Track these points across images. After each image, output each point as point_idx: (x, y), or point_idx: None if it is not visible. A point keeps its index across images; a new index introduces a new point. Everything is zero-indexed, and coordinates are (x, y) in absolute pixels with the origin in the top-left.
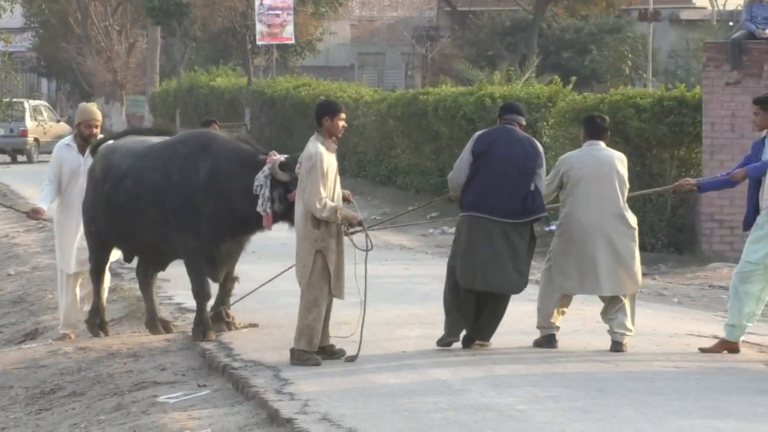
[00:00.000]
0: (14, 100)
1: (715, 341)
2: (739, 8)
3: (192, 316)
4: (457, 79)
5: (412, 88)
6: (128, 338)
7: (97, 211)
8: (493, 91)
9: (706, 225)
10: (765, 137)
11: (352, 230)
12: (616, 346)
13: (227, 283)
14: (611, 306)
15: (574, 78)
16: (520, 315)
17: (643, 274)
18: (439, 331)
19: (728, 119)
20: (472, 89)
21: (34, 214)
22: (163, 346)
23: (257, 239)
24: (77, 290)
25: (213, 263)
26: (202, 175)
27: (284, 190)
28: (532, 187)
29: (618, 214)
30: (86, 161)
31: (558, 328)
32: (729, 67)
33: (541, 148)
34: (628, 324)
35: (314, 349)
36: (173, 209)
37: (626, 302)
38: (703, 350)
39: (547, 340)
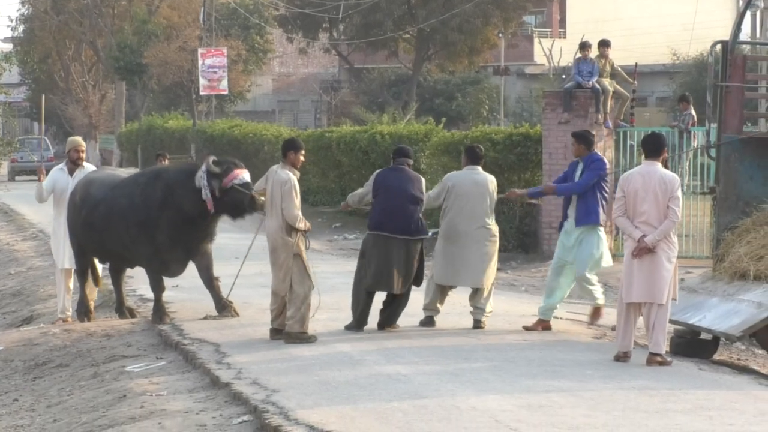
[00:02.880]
0: (27, 137)
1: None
2: (569, 65)
3: (151, 304)
4: (354, 120)
5: (320, 128)
6: (102, 322)
7: (77, 228)
8: (382, 129)
9: (545, 231)
10: (577, 161)
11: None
12: (477, 324)
13: (214, 283)
14: (475, 294)
15: (444, 119)
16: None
17: (498, 269)
18: (343, 315)
19: (562, 150)
20: (366, 128)
21: (42, 172)
22: (129, 328)
23: (236, 245)
24: (69, 283)
25: (165, 264)
26: (158, 193)
27: (218, 181)
28: (420, 214)
29: (486, 225)
30: (73, 181)
31: (438, 311)
32: (562, 110)
33: (423, 181)
34: (487, 308)
35: (307, 330)
36: (134, 224)
37: (485, 291)
38: (525, 328)
39: (428, 321)
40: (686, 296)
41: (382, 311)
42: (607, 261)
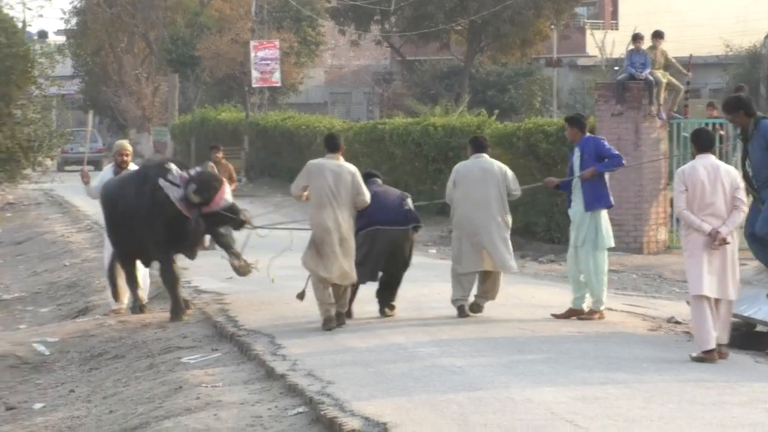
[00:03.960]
0: (76, 130)
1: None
2: (622, 56)
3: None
4: (406, 112)
5: (372, 120)
6: (157, 313)
7: (107, 229)
8: (435, 121)
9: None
10: (574, 147)
11: None
12: (477, 309)
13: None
14: (490, 284)
15: (497, 111)
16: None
17: (551, 261)
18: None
19: (614, 141)
20: (419, 120)
21: (84, 176)
22: (185, 319)
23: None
24: (121, 276)
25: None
26: (147, 192)
27: (197, 208)
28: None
29: (497, 210)
30: None
31: (466, 300)
32: (615, 102)
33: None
34: (494, 295)
35: None
36: (137, 221)
37: (500, 282)
38: (555, 316)
39: (460, 311)
40: (741, 288)
41: (377, 298)
42: (609, 242)
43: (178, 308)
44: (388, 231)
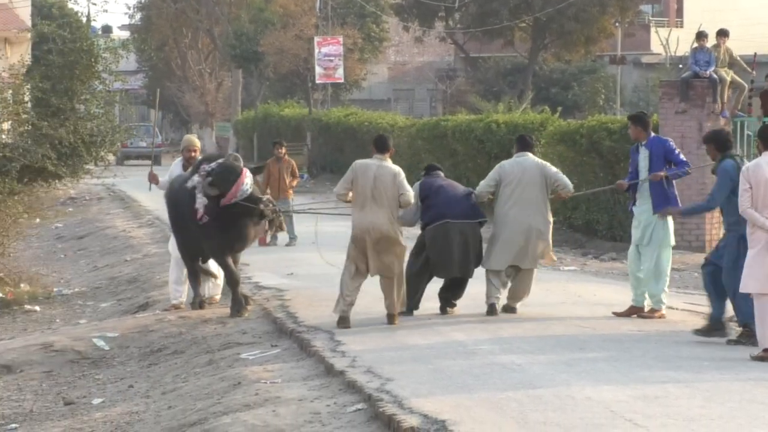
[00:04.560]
0: (141, 124)
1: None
2: (686, 54)
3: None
4: (470, 109)
5: (435, 116)
6: (218, 309)
7: (172, 226)
8: (498, 118)
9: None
10: (637, 145)
11: None
12: (510, 310)
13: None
14: (516, 279)
15: (560, 108)
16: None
17: (612, 259)
18: (461, 303)
19: (679, 139)
20: (482, 117)
21: (153, 177)
22: (245, 315)
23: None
24: (183, 271)
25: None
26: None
27: (216, 200)
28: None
29: (538, 209)
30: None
31: (499, 299)
32: (679, 100)
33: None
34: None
35: None
36: (191, 221)
37: (529, 277)
38: (615, 314)
39: (491, 310)
40: None
41: (441, 296)
42: (672, 241)
43: (238, 304)
44: (457, 224)
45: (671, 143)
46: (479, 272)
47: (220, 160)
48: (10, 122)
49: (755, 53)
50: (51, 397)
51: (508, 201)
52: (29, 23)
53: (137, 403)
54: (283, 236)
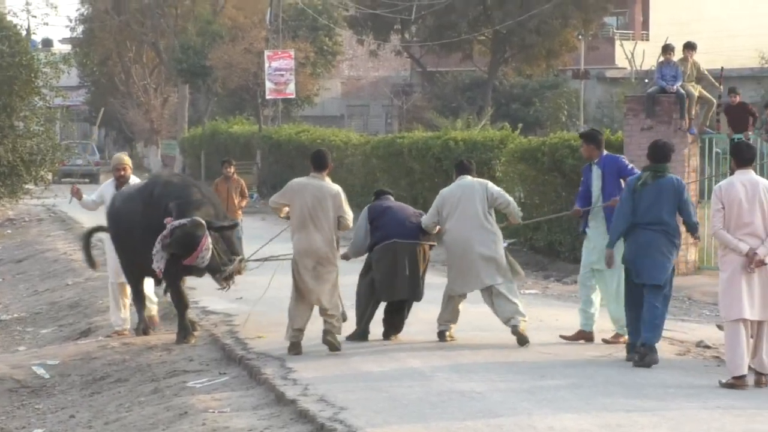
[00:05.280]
0: (80, 141)
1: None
2: (652, 68)
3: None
4: (427, 125)
5: (391, 134)
6: (163, 335)
7: (114, 244)
8: (456, 135)
9: None
10: (590, 164)
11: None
12: (515, 330)
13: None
14: (501, 303)
15: (521, 125)
16: (476, 315)
17: (575, 282)
18: (413, 328)
19: (644, 157)
20: (439, 134)
21: (76, 191)
22: (191, 341)
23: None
24: (125, 296)
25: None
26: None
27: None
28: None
29: (480, 225)
30: None
31: (449, 327)
32: (644, 116)
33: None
34: (520, 309)
35: None
36: (140, 238)
37: (507, 293)
38: (563, 337)
39: (440, 335)
40: None
41: (385, 321)
42: None
43: (185, 330)
44: (406, 245)
45: (623, 159)
46: (429, 297)
47: (183, 221)
48: None
49: (722, 67)
50: None
51: (449, 219)
52: None
53: None
54: None
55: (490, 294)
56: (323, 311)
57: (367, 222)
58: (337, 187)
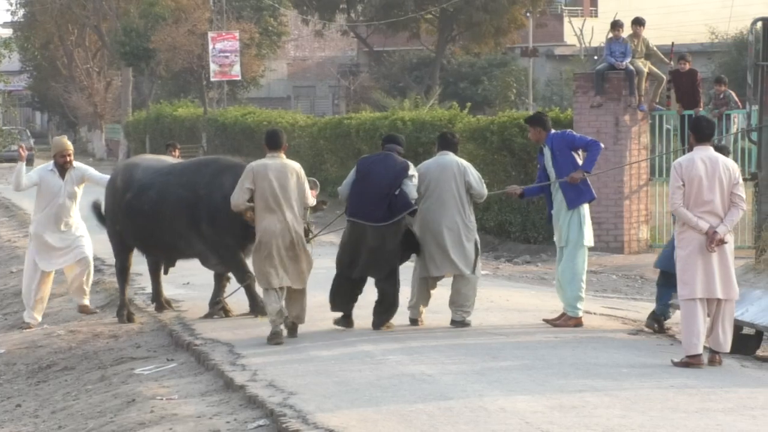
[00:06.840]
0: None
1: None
2: (601, 45)
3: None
4: (374, 106)
5: (338, 114)
6: (109, 322)
7: (117, 215)
8: (404, 115)
9: None
10: (542, 147)
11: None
12: (460, 325)
13: (222, 280)
14: (458, 292)
15: (469, 104)
16: (432, 298)
17: (526, 262)
18: (364, 312)
19: (594, 135)
20: (387, 114)
21: (22, 151)
22: (138, 328)
23: None
24: (47, 287)
25: (244, 255)
26: (227, 188)
27: None
28: (397, 192)
29: (458, 211)
30: (66, 184)
31: (419, 313)
32: (594, 93)
33: (410, 167)
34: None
35: None
36: (207, 218)
37: (468, 286)
38: (546, 321)
39: (413, 321)
40: None
41: (375, 311)
42: (589, 240)
43: (257, 308)
44: (368, 227)
45: (570, 132)
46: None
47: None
48: None
49: (672, 43)
50: None
51: (425, 200)
52: None
53: (25, 423)
54: None
55: (459, 280)
56: (292, 292)
57: (354, 174)
58: (297, 164)
